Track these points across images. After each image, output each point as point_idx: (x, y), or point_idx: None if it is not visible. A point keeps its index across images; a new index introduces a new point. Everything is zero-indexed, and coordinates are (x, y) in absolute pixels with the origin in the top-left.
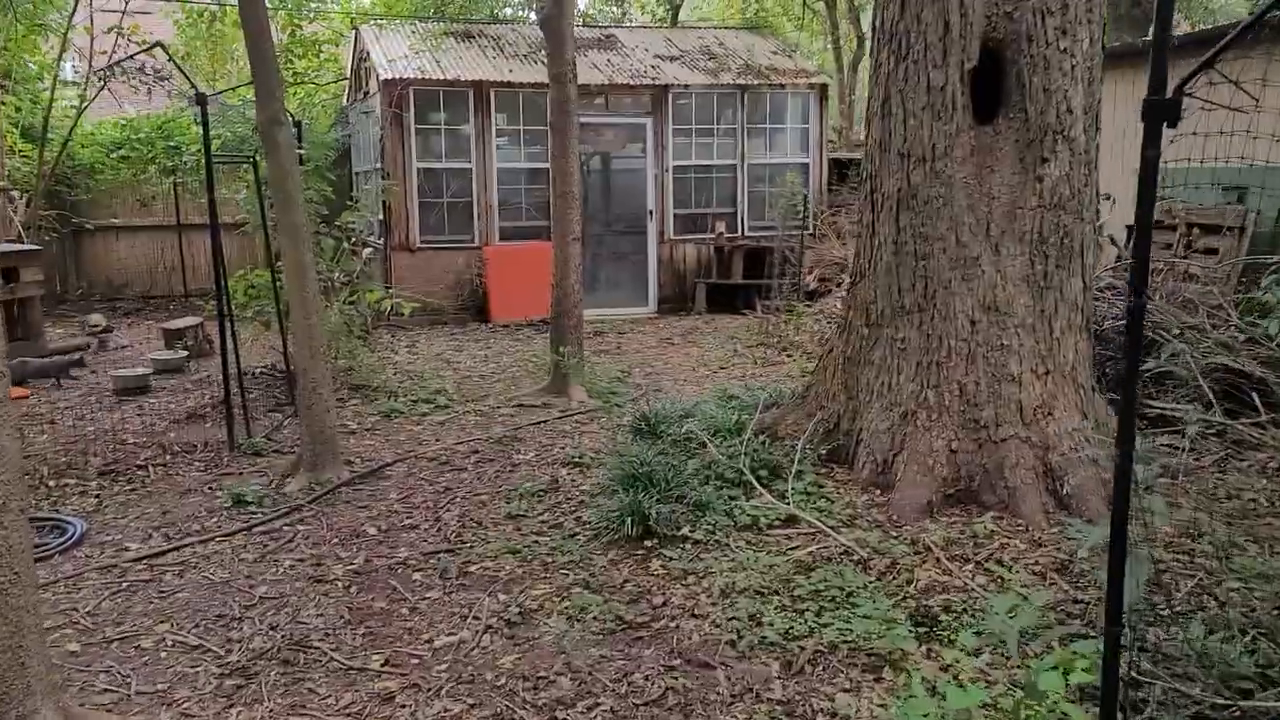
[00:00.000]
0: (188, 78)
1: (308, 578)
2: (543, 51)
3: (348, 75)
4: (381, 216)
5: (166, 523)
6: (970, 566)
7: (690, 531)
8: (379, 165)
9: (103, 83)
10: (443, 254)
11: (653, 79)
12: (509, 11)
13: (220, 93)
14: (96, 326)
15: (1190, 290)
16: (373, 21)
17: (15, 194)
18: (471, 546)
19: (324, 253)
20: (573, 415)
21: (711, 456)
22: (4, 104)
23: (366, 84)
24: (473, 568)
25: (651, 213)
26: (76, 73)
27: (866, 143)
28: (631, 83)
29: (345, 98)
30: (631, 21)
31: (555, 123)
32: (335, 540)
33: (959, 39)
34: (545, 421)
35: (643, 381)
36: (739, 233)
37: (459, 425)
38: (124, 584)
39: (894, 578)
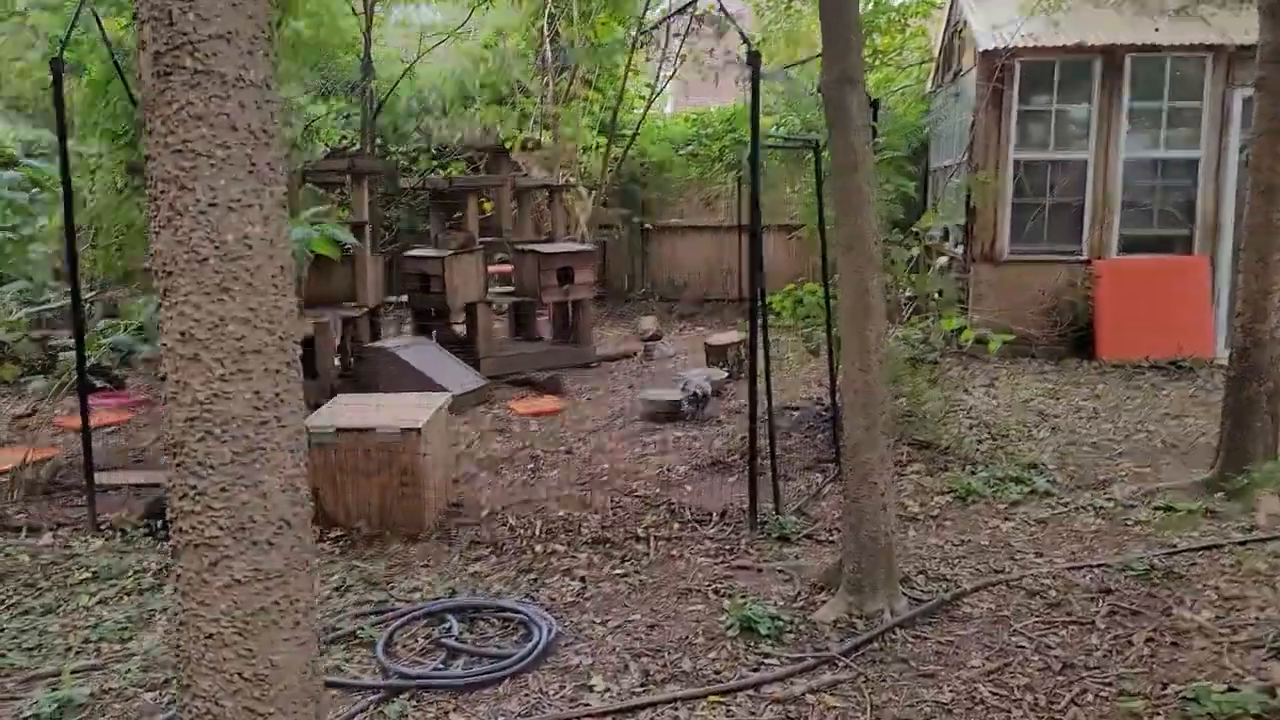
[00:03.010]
0: (739, 30)
1: None
2: (1200, 5)
3: (934, 55)
4: (962, 220)
5: (650, 647)
6: None
7: None
8: (965, 158)
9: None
10: (1036, 268)
11: None
12: None
13: (787, 67)
14: (645, 333)
15: None
16: None
17: (584, 191)
18: None
19: (896, 266)
20: (1268, 540)
21: None
22: (587, 99)
23: (958, 61)
24: None
25: None
26: (648, 60)
27: None
28: None
29: (929, 82)
30: None
31: (1267, 79)
32: None
33: None
34: (1221, 547)
35: None
36: None
37: (1069, 530)
38: None
39: None
